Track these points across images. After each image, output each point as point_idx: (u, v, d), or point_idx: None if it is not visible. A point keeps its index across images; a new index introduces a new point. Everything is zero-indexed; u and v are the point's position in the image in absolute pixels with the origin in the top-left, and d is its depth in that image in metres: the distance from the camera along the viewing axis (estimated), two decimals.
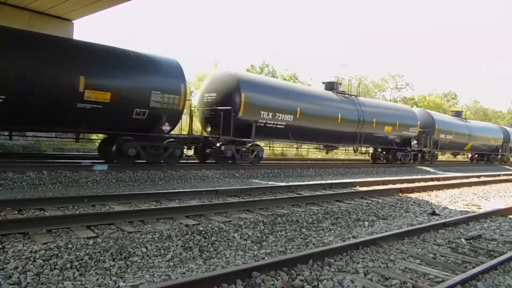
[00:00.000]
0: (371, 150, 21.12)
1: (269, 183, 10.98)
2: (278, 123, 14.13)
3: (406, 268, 4.19)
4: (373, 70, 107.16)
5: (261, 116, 13.57)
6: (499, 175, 17.44)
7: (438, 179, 14.11)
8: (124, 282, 3.53)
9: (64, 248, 4.13)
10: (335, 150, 24.96)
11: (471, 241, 5.49)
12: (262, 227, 5.71)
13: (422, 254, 4.72)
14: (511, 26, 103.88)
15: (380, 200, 8.64)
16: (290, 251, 4.74)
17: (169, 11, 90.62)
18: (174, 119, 11.44)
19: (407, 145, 20.70)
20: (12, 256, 3.86)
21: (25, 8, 12.80)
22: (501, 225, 6.69)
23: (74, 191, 7.86)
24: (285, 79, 31.44)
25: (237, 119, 12.90)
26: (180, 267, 4.07)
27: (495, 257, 4.69)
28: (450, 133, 23.62)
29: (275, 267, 3.74)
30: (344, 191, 9.35)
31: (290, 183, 10.49)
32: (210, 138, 13.21)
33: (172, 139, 11.61)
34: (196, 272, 3.88)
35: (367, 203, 8.15)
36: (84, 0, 12.17)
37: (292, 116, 14.42)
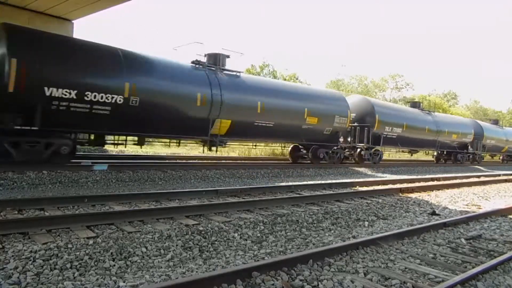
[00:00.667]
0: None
1: (269, 183, 10.98)
2: (393, 134, 19.68)
3: (406, 268, 4.19)
4: (373, 70, 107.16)
5: (385, 129, 19.15)
6: (499, 175, 17.45)
7: (438, 179, 14.11)
8: (124, 282, 3.53)
9: (64, 248, 4.13)
10: None
11: (471, 241, 5.49)
12: (262, 227, 5.71)
13: (422, 254, 4.72)
14: (511, 26, 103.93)
15: (380, 200, 8.64)
16: (290, 251, 4.74)
17: (169, 11, 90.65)
18: (343, 134, 17.68)
19: (464, 149, 26.26)
20: (12, 256, 3.86)
21: (25, 8, 12.80)
22: (501, 225, 6.69)
23: (74, 191, 7.86)
24: (285, 79, 31.51)
25: (372, 132, 18.41)
26: (180, 267, 4.07)
27: (495, 257, 4.69)
28: (493, 138, 29.24)
29: (275, 267, 3.74)
30: (344, 191, 9.35)
31: (290, 183, 10.49)
32: (357, 146, 18.67)
33: (335, 147, 17.05)
34: (196, 272, 3.88)
35: (367, 203, 8.14)
36: (84, 0, 12.16)
37: (401, 129, 20.02)
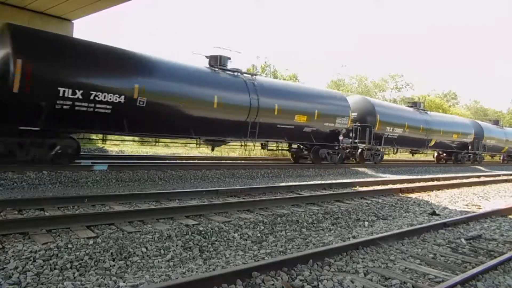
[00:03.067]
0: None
1: (269, 183, 10.98)
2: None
3: (406, 268, 4.19)
4: (373, 70, 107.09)
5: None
6: (499, 175, 17.45)
7: (438, 179, 14.10)
8: (124, 282, 3.53)
9: (64, 248, 4.13)
10: None
11: (471, 241, 5.49)
12: (262, 227, 5.71)
13: (422, 254, 4.72)
14: (511, 26, 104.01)
15: (380, 200, 8.64)
16: (290, 251, 4.74)
17: (169, 10, 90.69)
18: None
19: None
20: (12, 256, 3.86)
21: (25, 8, 12.80)
22: (501, 225, 6.69)
23: (74, 191, 7.86)
24: (284, 79, 31.55)
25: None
26: (180, 267, 4.07)
27: (495, 257, 4.69)
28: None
29: (275, 267, 3.75)
30: (344, 191, 9.35)
31: (290, 183, 10.49)
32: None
33: None
34: (196, 272, 3.88)
35: (367, 203, 8.14)
36: (84, 0, 12.17)
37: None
